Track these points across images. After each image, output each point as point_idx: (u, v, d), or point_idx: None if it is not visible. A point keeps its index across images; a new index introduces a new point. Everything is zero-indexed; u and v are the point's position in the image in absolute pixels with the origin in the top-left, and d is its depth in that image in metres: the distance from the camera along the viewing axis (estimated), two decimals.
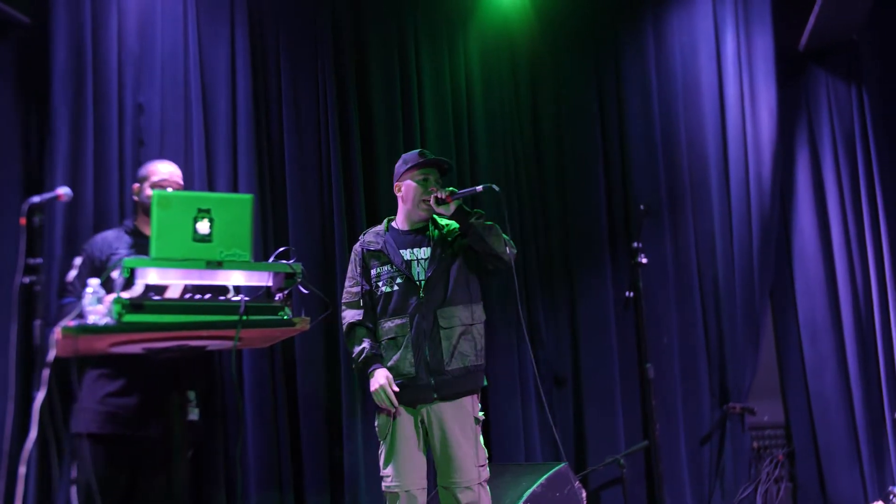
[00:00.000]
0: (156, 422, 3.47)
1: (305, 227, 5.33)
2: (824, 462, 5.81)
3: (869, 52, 6.16)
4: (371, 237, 4.00)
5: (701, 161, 6.12)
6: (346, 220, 5.39)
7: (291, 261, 3.07)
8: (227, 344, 3.12)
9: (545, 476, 4.48)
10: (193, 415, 3.60)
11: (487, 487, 3.76)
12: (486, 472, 3.76)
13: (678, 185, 6.10)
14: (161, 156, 4.79)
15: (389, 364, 3.79)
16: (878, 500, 5.56)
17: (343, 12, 5.68)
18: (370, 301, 3.91)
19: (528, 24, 6.23)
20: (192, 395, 3.53)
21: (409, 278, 3.81)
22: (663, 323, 5.91)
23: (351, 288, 3.97)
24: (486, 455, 3.80)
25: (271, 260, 3.12)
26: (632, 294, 5.30)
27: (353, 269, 4.00)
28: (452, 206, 3.80)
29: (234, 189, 5.08)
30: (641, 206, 5.37)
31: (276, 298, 3.10)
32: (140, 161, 4.49)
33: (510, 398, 5.74)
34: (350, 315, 3.92)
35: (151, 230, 2.82)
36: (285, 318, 3.09)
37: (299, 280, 3.07)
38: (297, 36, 5.52)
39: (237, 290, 3.70)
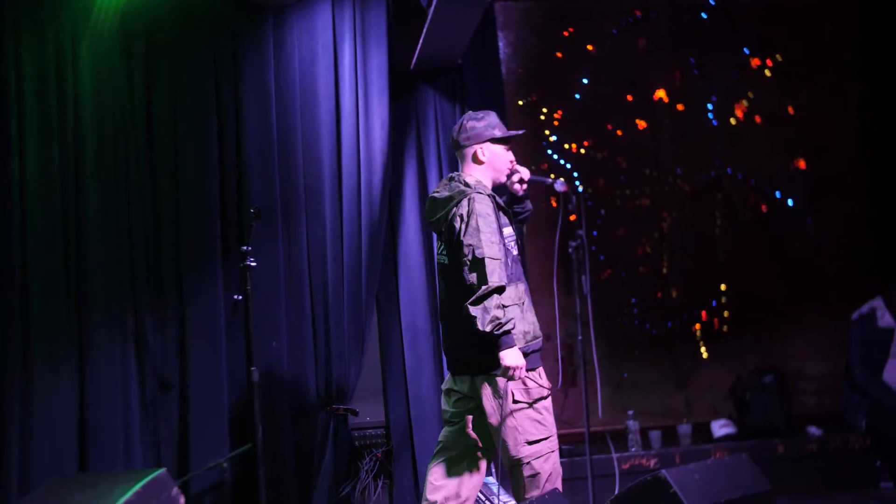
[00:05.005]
0: None
1: None
2: (419, 459, 6.09)
3: (471, 76, 6.65)
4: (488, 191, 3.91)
5: (316, 169, 6.21)
6: None
7: None
8: None
9: (141, 483, 4.35)
10: None
11: None
12: None
13: (293, 191, 6.15)
14: None
15: (525, 328, 3.81)
16: None
17: None
18: None
19: (144, 12, 5.87)
20: None
21: (522, 244, 3.87)
22: (273, 327, 5.95)
23: (492, 237, 3.69)
24: None
25: None
26: (240, 297, 5.32)
27: (488, 221, 3.73)
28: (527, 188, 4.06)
29: None
30: (252, 210, 5.40)
31: None
32: None
33: (111, 406, 5.55)
34: (501, 273, 3.66)
35: None
36: None
37: None
38: None
39: None
